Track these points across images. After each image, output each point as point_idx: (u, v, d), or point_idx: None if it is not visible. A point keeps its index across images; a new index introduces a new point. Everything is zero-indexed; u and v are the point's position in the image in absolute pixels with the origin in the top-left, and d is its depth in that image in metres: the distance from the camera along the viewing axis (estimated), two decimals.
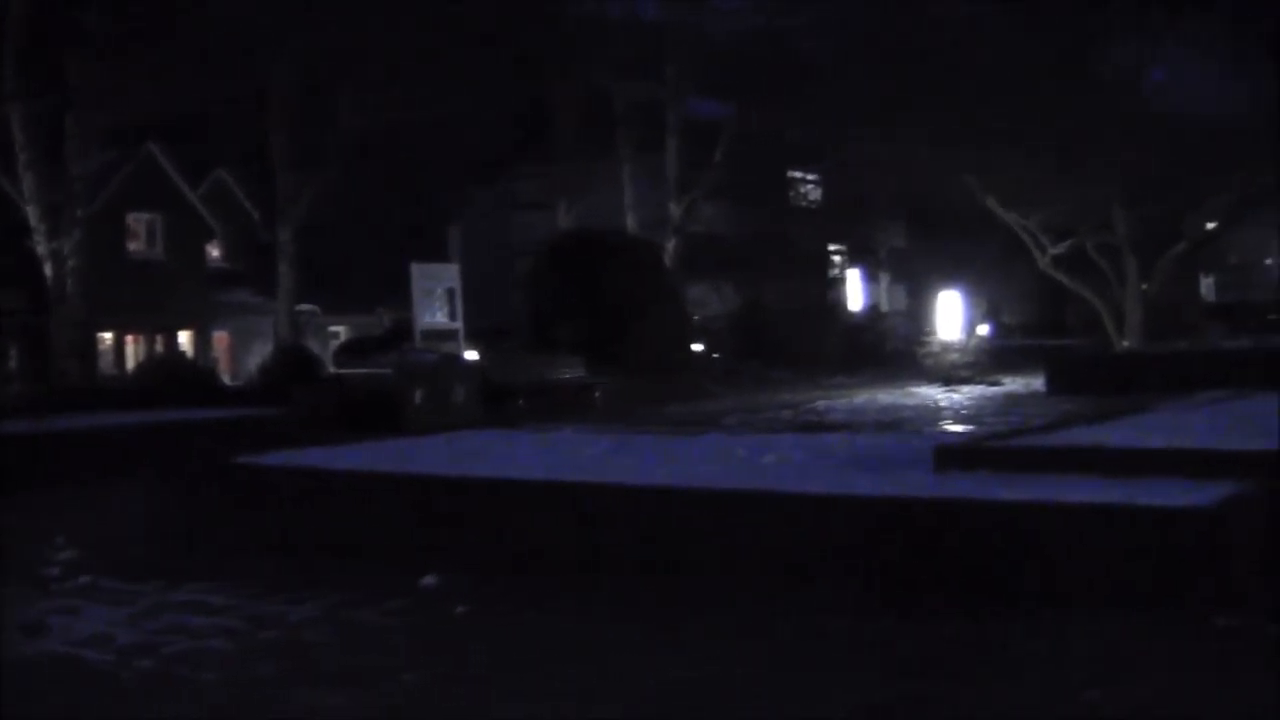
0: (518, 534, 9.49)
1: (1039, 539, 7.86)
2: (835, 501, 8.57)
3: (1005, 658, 6.90)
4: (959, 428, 19.40)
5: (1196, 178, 37.12)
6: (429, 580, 8.99)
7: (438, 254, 41.67)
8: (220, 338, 47.48)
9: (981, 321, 51.23)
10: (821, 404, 26.32)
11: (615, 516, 9.19)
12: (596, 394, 28.51)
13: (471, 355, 31.02)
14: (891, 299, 55.28)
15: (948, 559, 8.02)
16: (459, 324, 30.41)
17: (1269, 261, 68.06)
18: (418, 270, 30.50)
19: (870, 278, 55.49)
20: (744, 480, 9.45)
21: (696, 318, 42.39)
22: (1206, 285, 66.14)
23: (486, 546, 9.56)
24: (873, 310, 51.50)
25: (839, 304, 50.71)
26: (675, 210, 42.32)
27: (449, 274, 31.16)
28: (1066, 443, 10.21)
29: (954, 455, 9.72)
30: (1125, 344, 36.74)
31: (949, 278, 40.78)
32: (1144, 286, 38.23)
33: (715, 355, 41.08)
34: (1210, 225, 41.39)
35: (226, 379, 39.90)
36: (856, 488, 8.88)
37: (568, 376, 28.97)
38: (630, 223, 42.56)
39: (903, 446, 11.51)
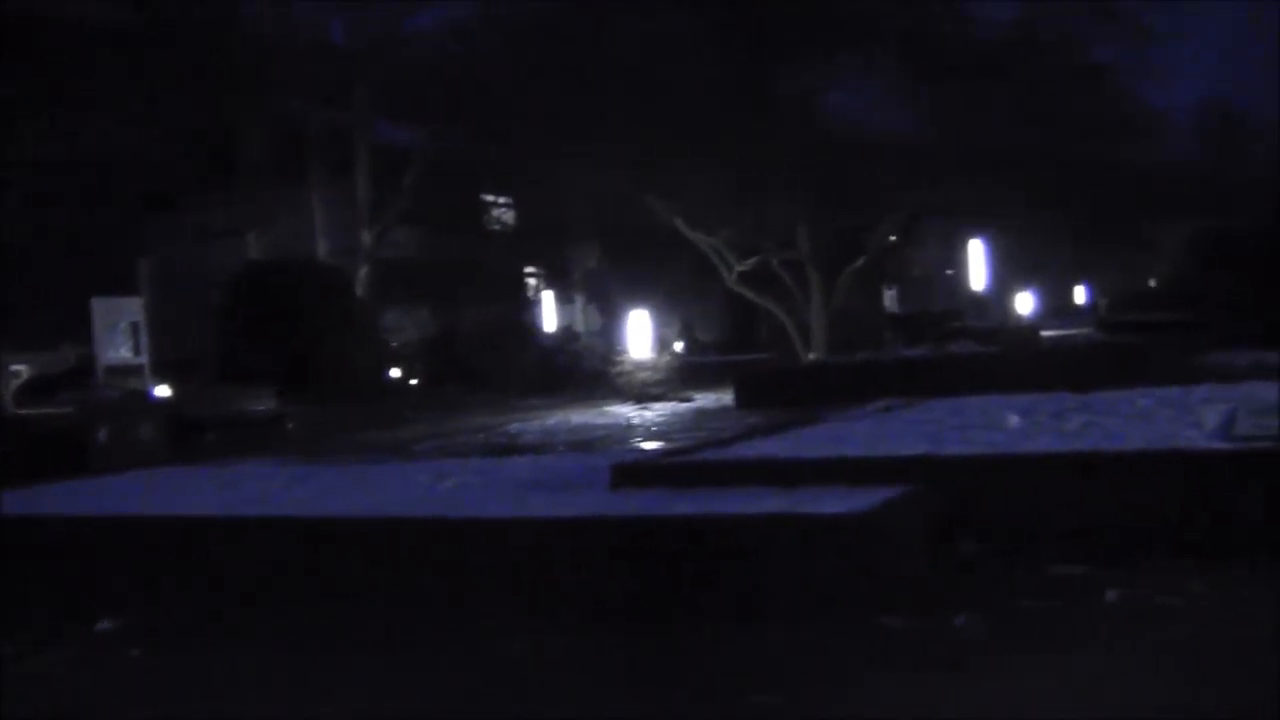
0: (193, 572, 9.35)
1: (708, 551, 8.04)
2: (505, 525, 8.67)
3: (670, 670, 7.08)
4: (649, 444, 19.68)
5: (874, 194, 38.29)
6: (103, 625, 8.80)
7: (127, 285, 40.50)
8: None
9: (675, 339, 51.98)
10: (515, 426, 26.37)
11: (289, 550, 9.13)
12: (288, 425, 28.12)
13: (162, 390, 30.27)
14: (586, 320, 55.71)
15: (617, 576, 8.16)
16: (144, 359, 29.68)
17: (949, 272, 70.61)
18: (99, 305, 29.71)
19: (565, 299, 55.81)
20: (419, 507, 9.48)
21: (393, 344, 42.10)
22: (890, 297, 68.30)
23: (162, 587, 9.39)
24: (567, 331, 51.81)
25: (534, 326, 50.86)
26: (367, 237, 41.96)
27: (132, 308, 30.40)
28: (739, 456, 10.49)
29: (629, 473, 9.89)
30: (811, 356, 37.65)
31: (641, 297, 41.29)
32: (828, 300, 39.26)
33: (412, 381, 40.86)
34: (891, 239, 42.77)
35: None
36: (532, 509, 8.98)
37: (259, 408, 28.46)
38: (322, 250, 42.07)
39: (583, 466, 11.65)
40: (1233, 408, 11.45)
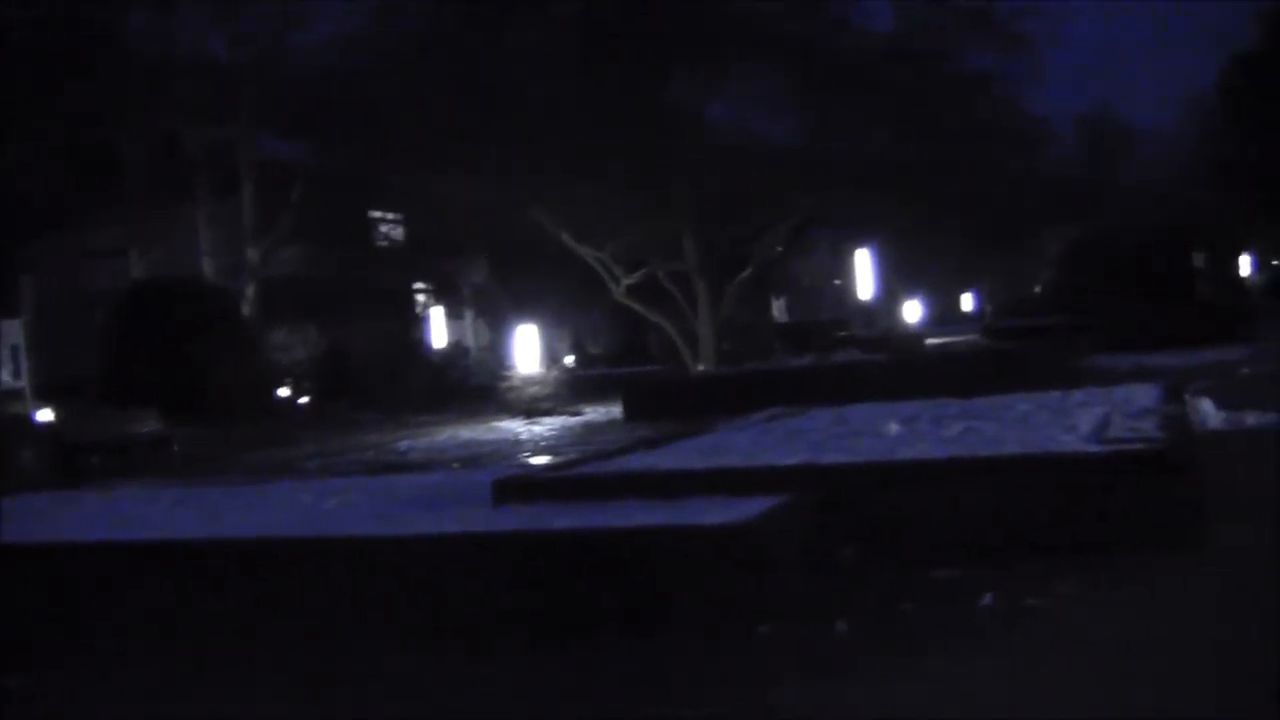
0: (73, 599, 9.20)
1: (589, 565, 8.05)
2: (383, 543, 8.64)
3: (553, 685, 7.11)
4: (536, 459, 19.68)
5: (759, 206, 38.51)
6: None
7: (7, 307, 39.84)
8: None
9: (565, 353, 52.01)
10: (404, 444, 26.24)
11: (169, 574, 9.02)
12: (175, 447, 27.75)
13: (45, 413, 29.78)
14: (476, 335, 55.55)
15: (498, 592, 8.15)
16: (23, 382, 29.20)
17: (837, 282, 71.23)
18: None
19: (455, 315, 55.60)
20: (302, 527, 9.42)
21: (282, 362, 41.74)
22: (779, 307, 68.77)
23: (41, 614, 9.23)
24: (457, 347, 51.62)
25: (424, 342, 50.65)
26: (253, 255, 41.61)
27: (11, 331, 29.90)
28: (622, 469, 10.52)
29: (511, 488, 9.89)
30: (699, 367, 37.80)
31: (531, 312, 41.28)
32: (716, 311, 39.41)
33: (301, 399, 40.56)
34: (778, 250, 43.02)
35: None
36: (413, 527, 8.96)
37: (145, 430, 28.04)
38: (208, 269, 41.66)
39: (467, 482, 11.63)
40: (1106, 411, 11.66)
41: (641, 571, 7.91)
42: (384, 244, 54.78)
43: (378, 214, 53.88)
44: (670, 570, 7.88)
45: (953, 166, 39.34)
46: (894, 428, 11.64)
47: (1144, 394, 13.49)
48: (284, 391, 40.05)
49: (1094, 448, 9.48)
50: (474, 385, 41.72)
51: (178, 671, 8.05)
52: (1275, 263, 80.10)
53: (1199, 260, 43.18)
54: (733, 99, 40.67)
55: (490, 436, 26.95)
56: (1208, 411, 16.39)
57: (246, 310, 40.01)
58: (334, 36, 41.29)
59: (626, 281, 39.36)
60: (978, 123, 40.97)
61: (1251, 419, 16.08)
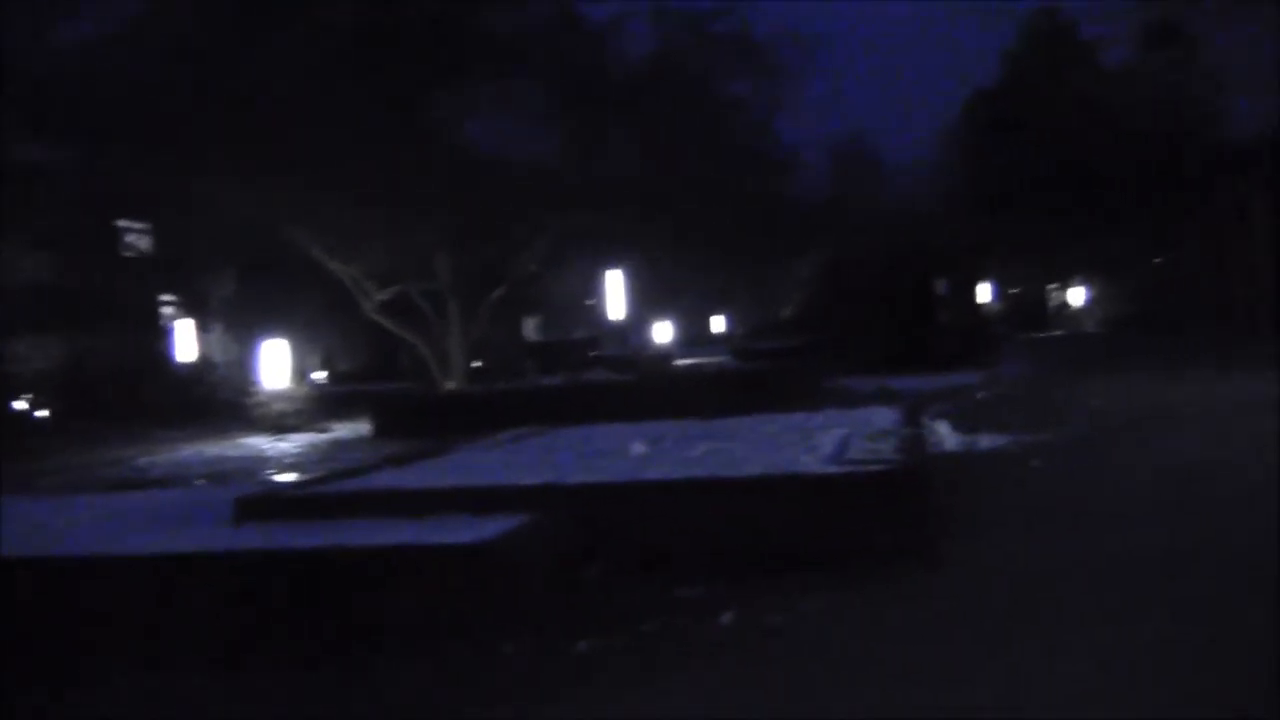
0: None
1: (330, 585, 7.97)
2: (116, 562, 8.44)
3: (289, 706, 7.03)
4: (281, 476, 19.37)
5: (514, 225, 38.51)
6: None
7: None
8: None
9: (317, 369, 51.32)
10: (144, 460, 25.59)
11: None
12: None
13: None
14: (224, 349, 54.46)
15: (233, 612, 8.02)
16: None
17: (590, 302, 71.49)
18: None
19: (203, 328, 54.42)
20: (27, 545, 9.14)
21: (20, 374, 40.48)
22: (532, 326, 68.83)
23: None
24: (204, 361, 50.59)
25: (170, 356, 49.52)
26: None
27: None
28: (366, 487, 10.43)
29: (253, 506, 9.74)
30: (450, 385, 37.60)
31: (281, 326, 40.65)
32: (467, 329, 39.25)
33: (39, 414, 39.36)
34: (531, 269, 43.05)
35: None
36: (148, 545, 8.76)
37: None
38: None
39: (209, 500, 11.42)
40: (846, 432, 11.93)
41: (383, 590, 7.87)
42: (131, 254, 53.47)
43: (125, 223, 52.59)
44: (412, 589, 7.85)
45: (706, 190, 39.84)
46: (640, 448, 11.76)
47: (883, 416, 13.83)
48: (21, 405, 38.85)
49: (833, 468, 9.69)
50: (221, 400, 40.93)
51: None
52: (1013, 291, 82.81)
53: (941, 286, 44.37)
54: (490, 117, 40.57)
55: (236, 453, 26.48)
56: (944, 434, 16.87)
57: None
58: (83, 38, 40.18)
59: (378, 298, 38.96)
60: (732, 148, 41.58)
61: (985, 441, 16.60)
